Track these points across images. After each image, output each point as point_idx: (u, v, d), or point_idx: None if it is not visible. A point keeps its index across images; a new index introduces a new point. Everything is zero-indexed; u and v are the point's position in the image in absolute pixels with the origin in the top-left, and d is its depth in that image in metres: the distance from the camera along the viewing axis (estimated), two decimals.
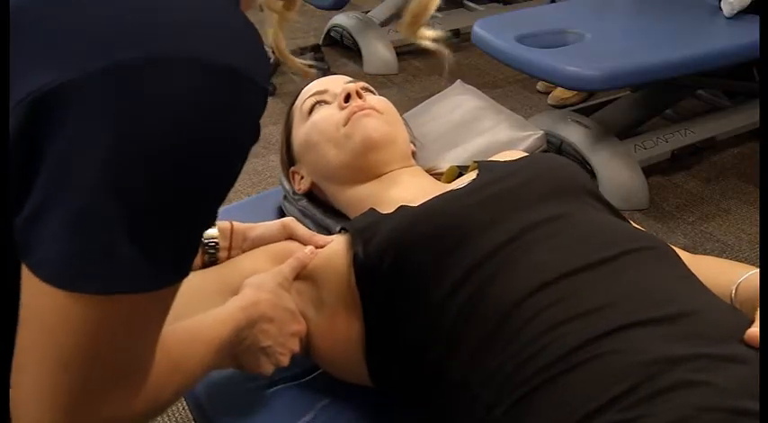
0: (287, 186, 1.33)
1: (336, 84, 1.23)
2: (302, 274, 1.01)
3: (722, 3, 2.49)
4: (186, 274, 0.59)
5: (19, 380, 0.58)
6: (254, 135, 0.58)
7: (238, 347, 0.88)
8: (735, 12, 2.45)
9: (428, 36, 0.82)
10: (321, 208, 1.25)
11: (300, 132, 1.22)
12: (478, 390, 0.83)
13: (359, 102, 1.17)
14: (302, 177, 1.25)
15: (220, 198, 0.59)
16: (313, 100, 1.22)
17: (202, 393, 1.05)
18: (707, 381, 0.73)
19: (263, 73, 0.57)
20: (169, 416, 1.75)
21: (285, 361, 0.94)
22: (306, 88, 1.26)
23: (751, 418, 0.70)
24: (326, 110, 1.19)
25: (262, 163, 2.80)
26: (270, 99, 2.50)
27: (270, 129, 3.07)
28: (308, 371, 1.06)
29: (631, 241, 0.92)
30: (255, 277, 0.96)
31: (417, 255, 0.92)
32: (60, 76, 0.50)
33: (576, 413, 0.74)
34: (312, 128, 1.19)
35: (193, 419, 1.13)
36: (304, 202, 1.27)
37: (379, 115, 1.17)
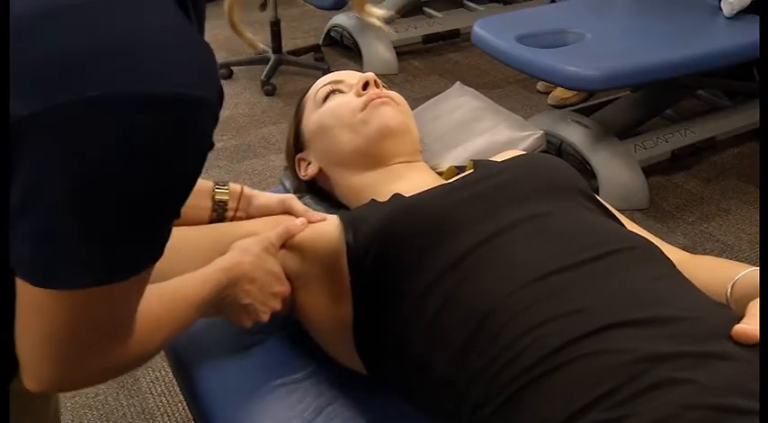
0: (287, 185, 1.33)
1: (351, 76, 1.25)
2: (292, 244, 1.05)
3: (722, 3, 2.50)
4: (154, 262, 0.65)
5: (19, 347, 0.67)
6: (208, 147, 0.63)
7: (220, 303, 0.95)
8: (735, 12, 2.46)
9: (375, 14, 0.85)
10: (323, 204, 1.26)
11: (313, 118, 1.23)
12: (465, 388, 0.83)
13: (377, 90, 1.19)
14: (309, 164, 1.26)
15: (181, 196, 0.64)
16: (329, 88, 1.23)
17: (203, 394, 1.05)
18: (691, 378, 0.73)
19: (209, 88, 0.61)
20: (169, 415, 1.75)
21: (265, 317, 1.00)
22: (319, 80, 1.28)
23: (736, 414, 0.69)
24: (342, 97, 1.21)
25: (262, 163, 2.80)
26: (270, 99, 2.53)
27: (270, 129, 3.08)
28: (307, 370, 1.06)
29: (617, 241, 0.92)
30: (243, 241, 1.01)
31: (401, 248, 0.93)
32: (21, 109, 0.55)
33: (560, 413, 0.74)
34: (327, 112, 1.21)
35: (193, 419, 1.13)
36: (306, 199, 1.28)
37: (395, 105, 1.19)
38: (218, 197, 1.10)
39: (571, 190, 1.03)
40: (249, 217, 1.12)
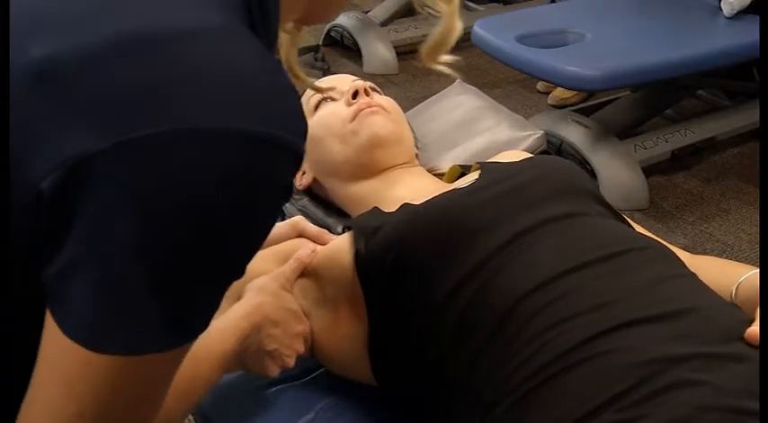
0: None
1: (343, 82, 1.23)
2: (305, 273, 1.01)
3: (722, 3, 2.49)
4: (207, 327, 0.59)
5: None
6: (285, 195, 0.58)
7: (244, 353, 0.89)
8: (735, 12, 2.45)
9: (446, 61, 0.82)
10: (321, 207, 1.25)
11: None
12: (479, 388, 0.83)
13: (366, 99, 1.17)
14: (303, 173, 1.25)
15: (248, 258, 0.58)
16: (319, 96, 1.21)
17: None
18: (706, 380, 0.73)
19: (295, 132, 0.56)
20: None
21: (291, 362, 0.95)
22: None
23: (751, 417, 0.69)
24: (333, 106, 1.19)
25: None
26: None
27: None
28: (308, 371, 1.06)
29: (630, 242, 0.93)
30: (257, 280, 0.96)
31: (419, 254, 0.92)
32: (93, 144, 0.50)
33: (575, 412, 0.74)
34: (317, 123, 1.19)
35: (193, 419, 1.13)
36: (304, 202, 1.28)
37: (386, 114, 1.17)
38: None
39: (582, 193, 1.03)
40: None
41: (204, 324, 0.58)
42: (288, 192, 0.58)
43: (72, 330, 0.53)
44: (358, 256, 0.95)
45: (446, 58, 0.81)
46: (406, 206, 1.00)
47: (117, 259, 0.52)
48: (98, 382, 0.54)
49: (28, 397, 0.56)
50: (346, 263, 0.96)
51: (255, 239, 0.58)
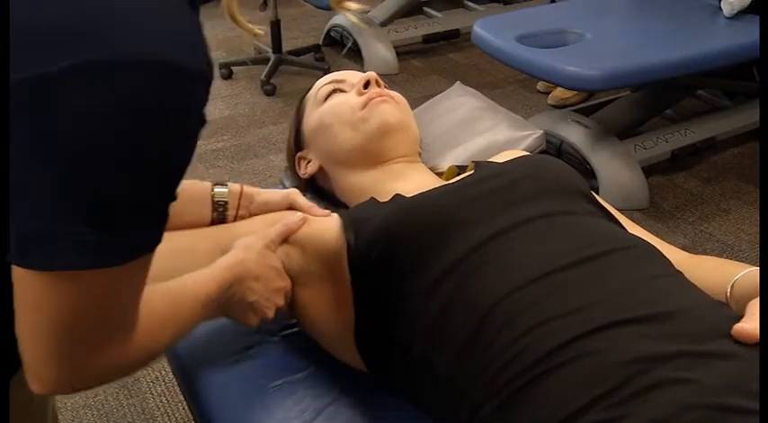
0: (287, 184, 1.33)
1: (354, 75, 1.26)
2: (293, 241, 1.05)
3: (722, 3, 2.50)
4: (154, 247, 0.64)
5: (22, 347, 0.66)
6: (201, 122, 0.62)
7: (226, 302, 0.95)
8: (735, 12, 2.46)
9: (352, 8, 0.83)
10: (324, 203, 1.26)
11: (314, 116, 1.23)
12: (465, 388, 0.83)
13: (377, 89, 1.20)
14: (309, 162, 1.26)
15: (176, 177, 0.63)
16: (330, 87, 1.24)
17: (203, 393, 1.05)
18: (690, 378, 0.73)
19: (202, 64, 0.60)
20: (169, 415, 1.75)
21: (270, 314, 1.00)
22: (321, 79, 1.28)
23: (736, 414, 0.69)
24: (343, 96, 1.22)
25: (262, 163, 2.80)
26: (270, 99, 2.53)
27: (270, 129, 3.07)
28: (307, 370, 1.06)
29: (615, 241, 0.93)
30: (244, 239, 1.01)
31: (404, 248, 0.93)
32: (28, 69, 0.54)
33: (559, 413, 0.74)
34: (328, 110, 1.21)
35: (193, 419, 1.13)
36: (306, 198, 1.28)
37: (395, 104, 1.20)
38: (217, 198, 1.09)
39: (572, 192, 1.03)
40: (252, 216, 1.12)
41: (137, 246, 0.62)
42: (202, 116, 0.62)
43: (14, 255, 0.59)
44: (349, 250, 0.97)
45: (353, 5, 0.82)
46: (396, 197, 1.02)
47: (47, 186, 0.56)
48: (56, 301, 0.62)
49: (15, 319, 0.64)
50: (332, 246, 1.00)
51: (174, 163, 0.61)
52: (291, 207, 1.12)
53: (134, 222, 0.61)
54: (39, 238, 0.59)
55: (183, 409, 1.75)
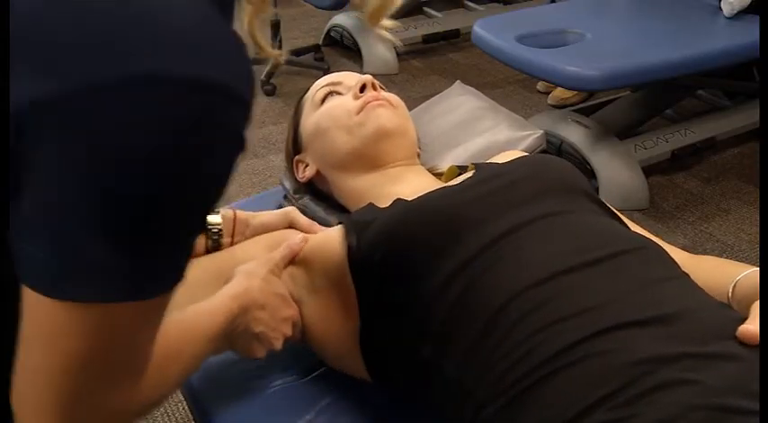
0: (287, 185, 1.33)
1: (351, 77, 1.25)
2: (295, 261, 1.02)
3: (722, 3, 2.50)
4: (181, 280, 0.59)
5: (19, 388, 0.59)
6: (239, 146, 0.58)
7: (232, 334, 0.90)
8: (735, 12, 2.46)
9: (387, 26, 0.81)
10: (322, 205, 1.26)
11: (311, 120, 1.23)
12: (471, 389, 0.83)
13: (374, 93, 1.19)
14: (306, 165, 1.26)
15: (208, 208, 0.59)
16: (326, 90, 1.23)
17: (203, 393, 1.05)
18: (696, 379, 0.73)
19: (244, 85, 0.56)
20: (169, 415, 1.75)
21: (278, 345, 0.96)
22: (318, 81, 1.28)
23: (740, 415, 0.69)
24: (340, 99, 1.21)
25: (262, 163, 2.80)
26: (270, 99, 2.53)
27: (270, 129, 3.07)
28: (308, 371, 1.06)
29: (623, 243, 0.92)
30: (247, 265, 0.98)
31: (408, 251, 0.92)
32: (41, 90, 0.50)
33: (565, 413, 0.74)
34: (324, 114, 1.20)
35: (193, 419, 1.13)
36: (304, 200, 1.28)
37: (392, 108, 1.19)
38: (210, 226, 1.05)
39: (576, 191, 1.03)
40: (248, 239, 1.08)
41: (167, 278, 0.58)
42: (241, 140, 0.58)
43: (37, 282, 0.54)
44: (350, 252, 0.96)
45: (388, 23, 0.80)
46: (397, 202, 1.01)
47: (73, 211, 0.52)
48: (74, 336, 0.56)
49: (17, 360, 0.58)
50: (337, 254, 0.98)
51: (210, 189, 0.58)
52: (291, 226, 1.10)
53: (167, 253, 0.58)
54: (68, 266, 0.54)
55: (183, 409, 1.75)
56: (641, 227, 1.10)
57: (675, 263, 0.94)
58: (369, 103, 1.17)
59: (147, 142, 0.51)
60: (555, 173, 1.05)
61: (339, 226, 1.02)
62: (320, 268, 1.01)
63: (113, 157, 0.51)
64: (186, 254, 0.60)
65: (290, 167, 1.30)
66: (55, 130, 0.50)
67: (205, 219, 0.60)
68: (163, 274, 0.58)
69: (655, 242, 0.98)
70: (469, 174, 1.10)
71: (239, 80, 0.56)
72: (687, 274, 0.93)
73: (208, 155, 0.55)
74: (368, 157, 1.16)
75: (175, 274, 0.59)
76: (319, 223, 1.17)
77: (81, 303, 0.55)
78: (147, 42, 0.51)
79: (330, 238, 1.01)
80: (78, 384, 0.58)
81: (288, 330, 0.97)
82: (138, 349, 0.62)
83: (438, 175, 1.25)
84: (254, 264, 0.98)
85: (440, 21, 3.86)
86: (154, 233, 0.55)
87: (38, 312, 0.56)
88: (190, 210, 0.57)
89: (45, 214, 0.53)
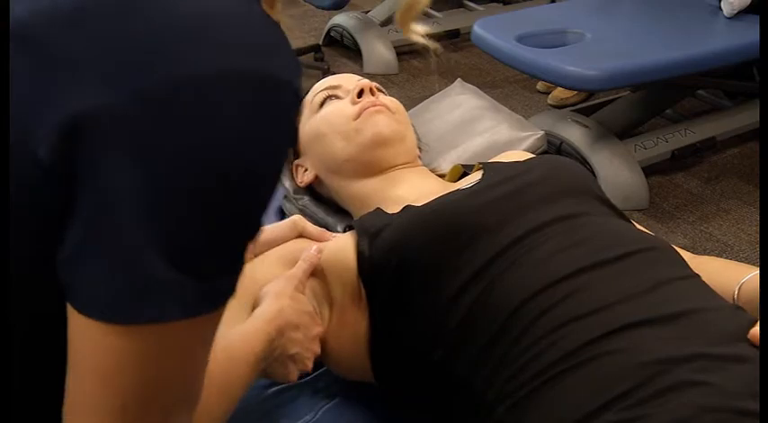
0: (287, 185, 1.33)
1: (349, 80, 1.24)
2: (312, 273, 1.00)
3: (722, 3, 2.49)
4: (234, 293, 0.56)
5: None
6: (292, 138, 0.57)
7: (269, 358, 0.87)
8: (735, 12, 2.45)
9: (419, 31, 0.80)
10: (322, 206, 1.25)
11: (309, 124, 1.22)
12: (482, 388, 0.83)
13: (372, 98, 1.18)
14: (305, 170, 1.25)
15: (264, 208, 0.56)
16: (325, 94, 1.22)
17: None
18: (708, 381, 0.73)
19: (296, 74, 0.54)
20: None
21: (310, 365, 0.94)
22: (317, 84, 1.27)
23: (752, 418, 0.70)
24: (338, 104, 1.20)
25: None
26: None
27: None
28: (307, 373, 1.05)
29: (635, 243, 0.93)
30: (272, 285, 0.95)
31: (423, 257, 0.92)
32: (91, 100, 0.47)
33: (577, 413, 0.74)
34: (322, 120, 1.19)
35: None
36: (304, 201, 1.28)
37: (390, 113, 1.18)
38: None
39: (587, 193, 1.03)
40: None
41: (229, 287, 0.55)
42: (294, 130, 0.55)
43: (95, 310, 0.51)
44: (361, 259, 0.95)
45: (419, 28, 0.79)
46: (408, 208, 1.00)
47: (129, 226, 0.49)
48: (134, 367, 0.52)
49: (67, 398, 0.54)
50: (350, 262, 0.96)
51: (266, 190, 0.55)
52: (301, 235, 1.07)
53: (225, 263, 0.55)
54: (131, 286, 0.50)
55: None
56: (641, 227, 1.10)
57: (686, 263, 0.94)
58: (366, 109, 1.16)
59: (206, 146, 0.49)
60: (567, 175, 1.05)
61: (350, 233, 1.01)
62: (336, 277, 0.99)
63: (171, 167, 0.49)
64: (241, 263, 0.57)
65: (290, 171, 1.30)
66: (98, 142, 0.47)
67: (261, 220, 0.56)
68: (220, 286, 0.55)
69: (666, 242, 0.98)
70: (477, 175, 1.10)
71: (293, 73, 0.54)
72: (698, 275, 0.92)
73: (266, 153, 0.53)
74: (365, 164, 1.16)
75: (231, 286, 0.56)
76: (319, 225, 1.17)
77: (139, 326, 0.51)
78: (196, 41, 0.49)
79: (344, 247, 0.99)
80: (137, 420, 0.55)
81: (318, 348, 0.95)
82: (193, 376, 0.59)
83: (440, 176, 1.25)
84: (278, 283, 0.95)
85: (440, 21, 3.85)
86: (212, 243, 0.53)
87: (92, 344, 0.52)
88: (247, 215, 0.55)
89: (106, 234, 0.50)
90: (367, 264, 0.94)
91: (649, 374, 0.74)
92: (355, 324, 0.96)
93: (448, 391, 0.88)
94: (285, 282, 0.95)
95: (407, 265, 0.92)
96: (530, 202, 0.97)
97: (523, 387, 0.79)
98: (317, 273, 1.00)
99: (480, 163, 1.14)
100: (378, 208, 1.06)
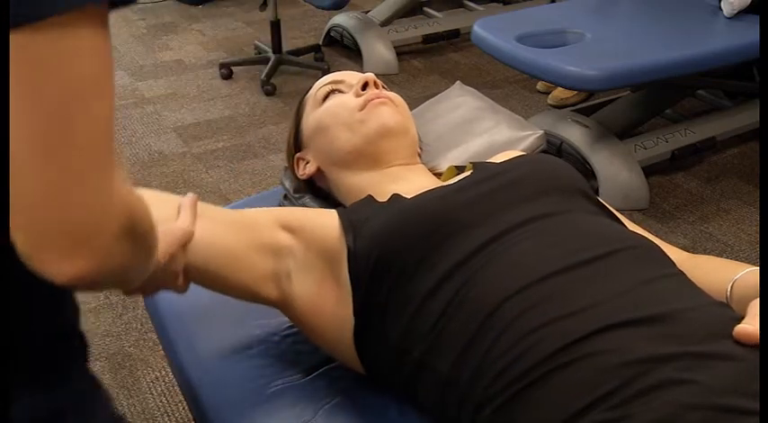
0: (287, 185, 1.33)
1: (352, 76, 1.25)
2: (296, 228, 1.02)
3: (722, 3, 2.50)
4: None
5: (13, 149, 0.51)
6: None
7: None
8: (735, 12, 2.46)
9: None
10: (321, 204, 1.26)
11: (312, 117, 1.23)
12: (467, 389, 0.83)
13: (376, 91, 1.19)
14: (307, 162, 1.26)
15: None
16: (329, 88, 1.23)
17: (203, 393, 1.05)
18: (692, 379, 0.73)
19: None
20: (169, 415, 1.75)
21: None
22: (320, 80, 1.28)
23: (737, 414, 0.70)
24: (342, 97, 1.21)
25: (262, 163, 2.80)
26: (270, 99, 2.53)
27: (270, 129, 3.07)
28: (308, 371, 1.06)
29: (618, 241, 0.93)
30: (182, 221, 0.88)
31: (403, 252, 0.93)
32: None
33: (562, 413, 0.74)
34: (326, 111, 1.21)
35: (193, 419, 1.13)
36: (304, 200, 1.28)
37: (394, 106, 1.19)
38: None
39: (573, 191, 1.03)
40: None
41: None
42: None
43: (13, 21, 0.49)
44: (349, 253, 0.96)
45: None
46: (394, 198, 1.01)
47: None
48: (47, 65, 0.50)
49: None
50: (337, 249, 0.98)
51: None
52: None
53: None
54: None
55: (183, 409, 1.75)
56: (641, 227, 1.10)
57: (671, 260, 0.95)
58: (371, 100, 1.17)
59: None
60: (552, 172, 1.05)
61: (335, 216, 1.02)
62: (318, 252, 1.01)
63: None
64: None
65: (291, 165, 1.30)
66: None
67: None
68: None
69: (650, 240, 0.98)
70: (467, 173, 1.10)
71: None
72: (683, 272, 0.93)
73: None
74: (369, 155, 1.16)
75: None
76: None
77: (47, 22, 0.49)
78: None
79: (328, 228, 1.01)
80: (51, 147, 0.50)
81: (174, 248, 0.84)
82: (102, 121, 0.53)
83: (438, 175, 1.25)
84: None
85: (440, 21, 3.86)
86: None
87: (16, 65, 0.50)
88: None
89: None
90: (351, 255, 0.96)
91: (633, 374, 0.74)
92: (337, 304, 0.97)
93: (434, 388, 0.89)
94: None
95: (387, 258, 0.93)
96: (512, 199, 0.98)
97: (508, 388, 0.79)
98: (297, 229, 1.02)
99: (472, 162, 1.15)
100: (369, 195, 1.07)
